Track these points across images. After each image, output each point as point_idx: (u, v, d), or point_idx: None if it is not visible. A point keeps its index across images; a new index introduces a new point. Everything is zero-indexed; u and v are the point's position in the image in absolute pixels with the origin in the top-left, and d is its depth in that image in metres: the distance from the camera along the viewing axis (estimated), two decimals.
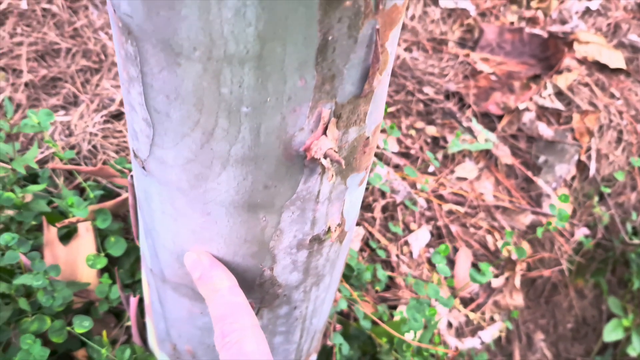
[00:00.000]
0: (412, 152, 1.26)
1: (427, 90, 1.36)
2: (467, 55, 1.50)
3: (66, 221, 0.66)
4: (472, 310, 1.15)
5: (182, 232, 0.45)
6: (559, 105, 1.43)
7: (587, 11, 1.85)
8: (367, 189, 1.02)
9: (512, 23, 1.65)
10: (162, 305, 0.57)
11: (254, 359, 0.39)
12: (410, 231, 1.13)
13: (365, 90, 0.37)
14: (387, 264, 1.07)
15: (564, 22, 1.81)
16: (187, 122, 0.36)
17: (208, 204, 0.41)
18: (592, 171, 1.40)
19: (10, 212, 0.72)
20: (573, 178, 1.39)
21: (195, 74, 0.33)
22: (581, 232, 1.42)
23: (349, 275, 0.89)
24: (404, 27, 1.47)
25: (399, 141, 1.27)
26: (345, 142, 0.40)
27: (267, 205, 0.41)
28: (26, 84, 1.04)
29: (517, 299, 1.20)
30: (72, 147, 0.88)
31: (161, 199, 0.44)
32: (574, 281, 1.47)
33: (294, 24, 0.31)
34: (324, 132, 0.37)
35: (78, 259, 0.74)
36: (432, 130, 1.31)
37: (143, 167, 0.42)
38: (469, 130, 1.32)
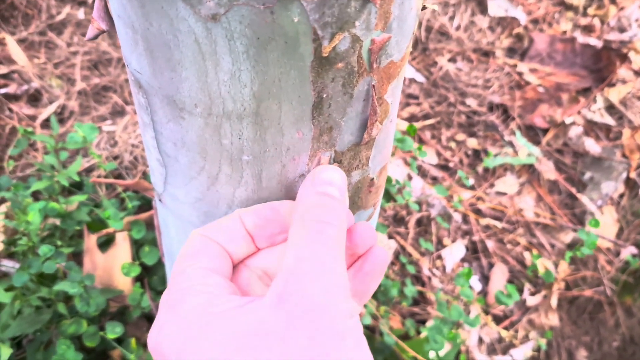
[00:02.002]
0: (451, 164, 1.25)
1: (470, 102, 1.35)
2: (515, 66, 1.47)
3: (104, 231, 0.70)
4: (505, 328, 1.14)
5: None
6: (609, 119, 1.38)
7: None
8: (401, 202, 1.02)
9: (564, 32, 1.60)
10: None
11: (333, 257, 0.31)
12: (443, 246, 1.13)
13: (364, 139, 0.38)
14: (418, 279, 1.07)
15: (622, 30, 1.74)
16: (193, 167, 0.38)
17: None
18: None
19: (55, 220, 0.78)
20: (621, 196, 1.35)
21: (198, 126, 0.35)
22: (628, 251, 1.38)
23: (376, 290, 0.90)
24: (448, 37, 1.46)
25: (438, 153, 1.26)
26: (348, 184, 0.42)
27: None
28: (79, 92, 1.10)
29: (553, 319, 1.18)
30: (115, 157, 0.93)
31: (176, 229, 0.46)
32: (621, 299, 1.43)
33: (288, 85, 0.32)
34: None
35: (115, 265, 0.78)
36: (473, 142, 1.30)
37: (160, 200, 0.45)
38: (511, 144, 1.30)
